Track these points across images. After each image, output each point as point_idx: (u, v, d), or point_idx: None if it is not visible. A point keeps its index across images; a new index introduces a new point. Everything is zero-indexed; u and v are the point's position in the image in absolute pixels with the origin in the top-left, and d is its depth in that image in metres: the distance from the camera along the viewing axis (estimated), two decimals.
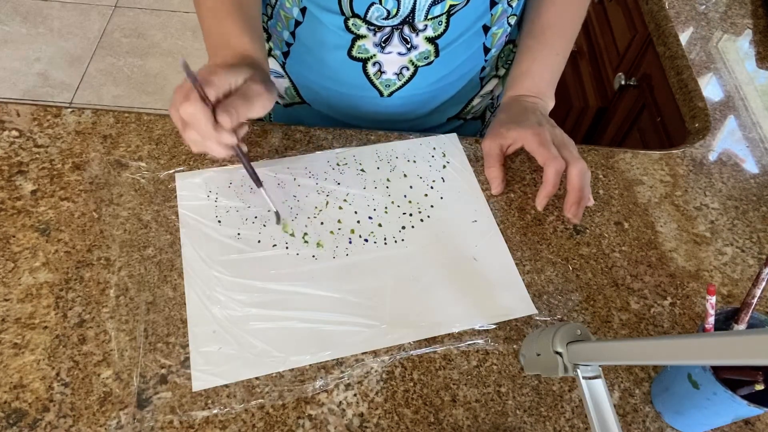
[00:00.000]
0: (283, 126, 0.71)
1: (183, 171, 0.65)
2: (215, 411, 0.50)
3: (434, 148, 0.71)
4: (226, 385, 0.51)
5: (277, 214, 0.62)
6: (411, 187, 0.67)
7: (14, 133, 0.67)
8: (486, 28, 0.74)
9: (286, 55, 0.77)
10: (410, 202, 0.65)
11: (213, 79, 0.53)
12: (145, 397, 0.50)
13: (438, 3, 0.66)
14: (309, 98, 0.80)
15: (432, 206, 0.65)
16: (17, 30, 2.19)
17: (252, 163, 0.67)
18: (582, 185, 0.63)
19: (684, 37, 0.92)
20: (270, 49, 0.79)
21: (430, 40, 0.70)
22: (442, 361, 0.54)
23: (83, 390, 0.50)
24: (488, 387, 0.53)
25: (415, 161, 0.69)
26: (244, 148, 0.59)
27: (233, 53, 0.61)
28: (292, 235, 0.61)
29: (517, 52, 0.76)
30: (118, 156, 0.66)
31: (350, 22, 0.68)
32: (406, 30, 0.69)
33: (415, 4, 0.65)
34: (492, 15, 0.73)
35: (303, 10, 0.70)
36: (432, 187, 0.67)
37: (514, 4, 0.74)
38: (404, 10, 0.66)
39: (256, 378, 0.52)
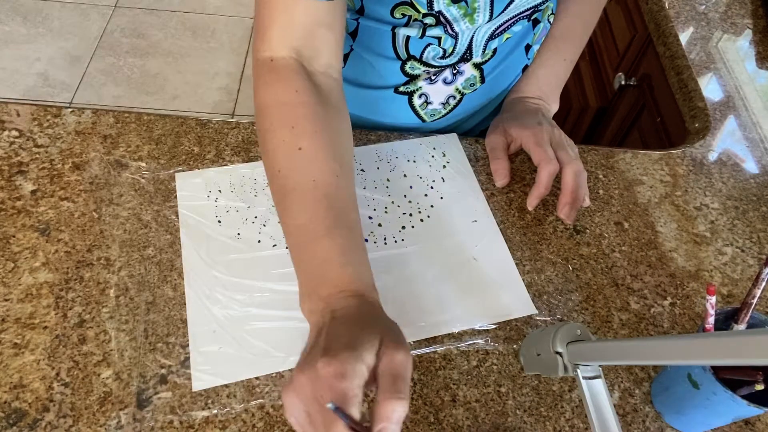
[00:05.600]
0: None
1: (183, 171, 0.65)
2: (215, 411, 0.50)
3: (434, 148, 0.71)
4: (226, 385, 0.51)
5: None
6: (411, 187, 0.67)
7: (14, 133, 0.67)
8: (528, 47, 0.74)
9: None
10: (410, 202, 0.65)
11: (346, 387, 0.36)
12: (145, 397, 0.50)
13: (495, 38, 0.66)
14: None
15: (432, 206, 0.65)
16: (17, 30, 2.19)
17: (251, 163, 0.67)
18: (575, 187, 0.63)
19: (684, 37, 0.92)
20: None
21: (477, 66, 0.70)
22: (442, 361, 0.54)
23: (83, 390, 0.50)
24: (488, 387, 0.53)
25: (415, 161, 0.69)
26: None
27: (334, 290, 0.43)
28: None
29: None
30: (118, 156, 0.66)
31: (407, 65, 0.67)
32: (460, 62, 0.68)
33: (471, 41, 0.65)
34: (534, 34, 0.73)
35: (346, 56, 0.68)
36: (432, 187, 0.67)
37: (551, 19, 0.75)
38: (461, 48, 0.65)
39: (256, 378, 0.52)
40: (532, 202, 0.65)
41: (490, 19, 0.63)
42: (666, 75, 0.91)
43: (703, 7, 0.98)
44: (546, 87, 0.73)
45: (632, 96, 1.12)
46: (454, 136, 0.72)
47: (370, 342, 0.39)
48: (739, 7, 0.98)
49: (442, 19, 0.60)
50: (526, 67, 0.76)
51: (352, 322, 0.41)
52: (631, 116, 1.13)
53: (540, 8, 0.67)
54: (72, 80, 2.07)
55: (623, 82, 1.11)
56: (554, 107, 0.74)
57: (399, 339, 0.40)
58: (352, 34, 0.66)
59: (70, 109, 0.70)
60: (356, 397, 0.36)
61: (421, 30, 0.62)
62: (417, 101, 0.72)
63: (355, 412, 0.36)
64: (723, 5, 0.99)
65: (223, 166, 0.66)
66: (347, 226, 0.47)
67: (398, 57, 0.66)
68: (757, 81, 0.86)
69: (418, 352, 0.55)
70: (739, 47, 0.91)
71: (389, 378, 0.37)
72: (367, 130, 0.72)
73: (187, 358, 0.52)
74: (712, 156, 0.75)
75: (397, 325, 0.43)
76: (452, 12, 0.60)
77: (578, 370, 0.42)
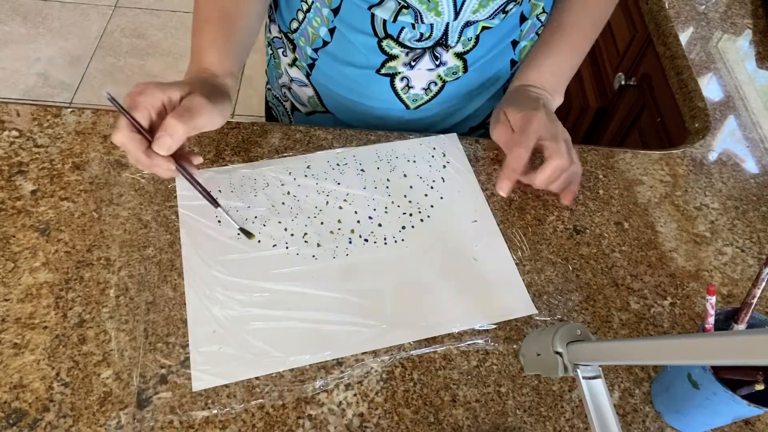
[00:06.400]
0: (283, 126, 0.71)
1: None
2: (215, 411, 0.50)
3: (434, 148, 0.71)
4: (226, 385, 0.51)
5: (244, 231, 0.60)
6: (411, 187, 0.67)
7: (14, 133, 0.67)
8: (515, 43, 0.74)
9: (311, 66, 0.76)
10: (410, 202, 0.65)
11: (140, 100, 0.52)
12: (145, 397, 0.50)
13: (470, 25, 0.66)
14: (332, 108, 0.80)
15: (432, 206, 0.65)
16: (17, 30, 2.19)
17: (252, 163, 0.67)
18: (546, 182, 0.62)
19: (684, 37, 0.92)
20: (295, 59, 0.77)
21: (459, 56, 0.70)
22: (442, 361, 0.54)
23: (83, 390, 0.50)
24: (488, 387, 0.53)
25: (415, 161, 0.69)
26: (194, 170, 0.58)
27: (196, 68, 0.60)
28: (292, 235, 0.61)
29: (535, 44, 0.75)
30: (118, 156, 0.66)
31: (384, 43, 0.68)
32: (438, 48, 0.69)
33: (447, 27, 0.66)
34: (521, 30, 0.73)
35: (332, 31, 0.69)
36: (432, 187, 0.67)
37: (543, 18, 0.74)
38: (437, 33, 0.66)
39: (256, 378, 0.52)
40: (501, 185, 0.62)
41: (456, 18, 0.63)
42: (666, 75, 0.91)
43: (703, 7, 0.98)
44: (551, 78, 0.71)
45: (632, 96, 1.12)
46: (454, 136, 0.72)
47: (181, 86, 0.54)
48: (739, 7, 0.98)
49: (412, 7, 0.62)
50: (513, 61, 0.76)
51: (190, 80, 0.58)
52: (631, 116, 1.13)
53: (508, 8, 0.66)
54: (72, 80, 2.07)
55: (623, 82, 1.11)
56: (558, 99, 0.71)
57: (200, 98, 0.54)
58: (335, 11, 0.67)
59: (70, 109, 0.70)
60: (142, 106, 0.52)
61: (394, 14, 0.64)
62: (399, 84, 0.72)
63: (139, 117, 0.51)
64: (723, 5, 0.99)
65: (223, 166, 0.66)
66: (223, 28, 0.62)
67: (375, 34, 0.67)
68: (757, 81, 0.86)
69: (418, 352, 0.55)
70: (739, 47, 0.92)
71: (181, 109, 0.52)
72: (367, 131, 0.72)
73: (187, 358, 0.52)
74: (712, 156, 0.75)
75: (224, 100, 0.58)
76: (415, 4, 0.61)
77: (578, 370, 0.42)
